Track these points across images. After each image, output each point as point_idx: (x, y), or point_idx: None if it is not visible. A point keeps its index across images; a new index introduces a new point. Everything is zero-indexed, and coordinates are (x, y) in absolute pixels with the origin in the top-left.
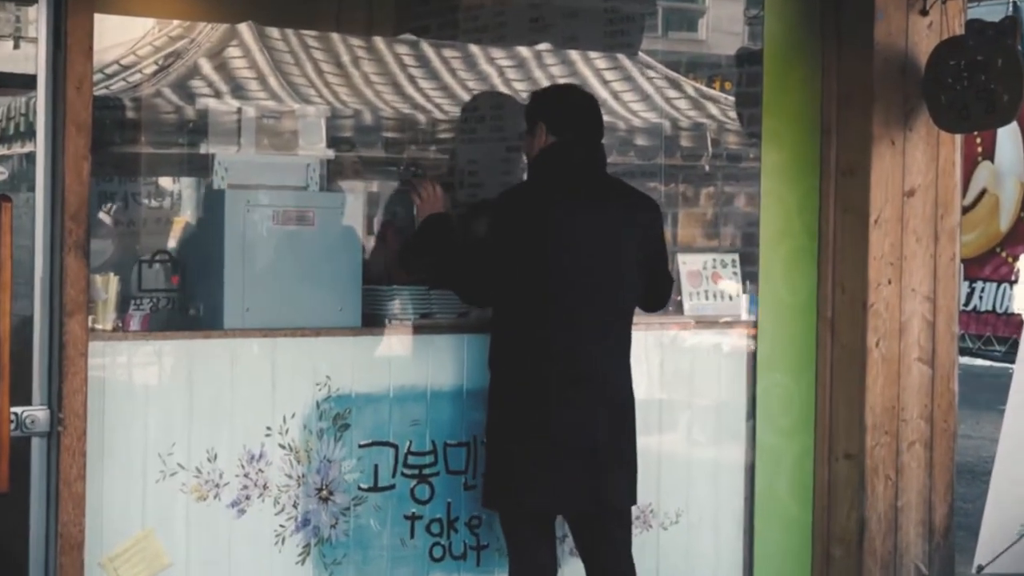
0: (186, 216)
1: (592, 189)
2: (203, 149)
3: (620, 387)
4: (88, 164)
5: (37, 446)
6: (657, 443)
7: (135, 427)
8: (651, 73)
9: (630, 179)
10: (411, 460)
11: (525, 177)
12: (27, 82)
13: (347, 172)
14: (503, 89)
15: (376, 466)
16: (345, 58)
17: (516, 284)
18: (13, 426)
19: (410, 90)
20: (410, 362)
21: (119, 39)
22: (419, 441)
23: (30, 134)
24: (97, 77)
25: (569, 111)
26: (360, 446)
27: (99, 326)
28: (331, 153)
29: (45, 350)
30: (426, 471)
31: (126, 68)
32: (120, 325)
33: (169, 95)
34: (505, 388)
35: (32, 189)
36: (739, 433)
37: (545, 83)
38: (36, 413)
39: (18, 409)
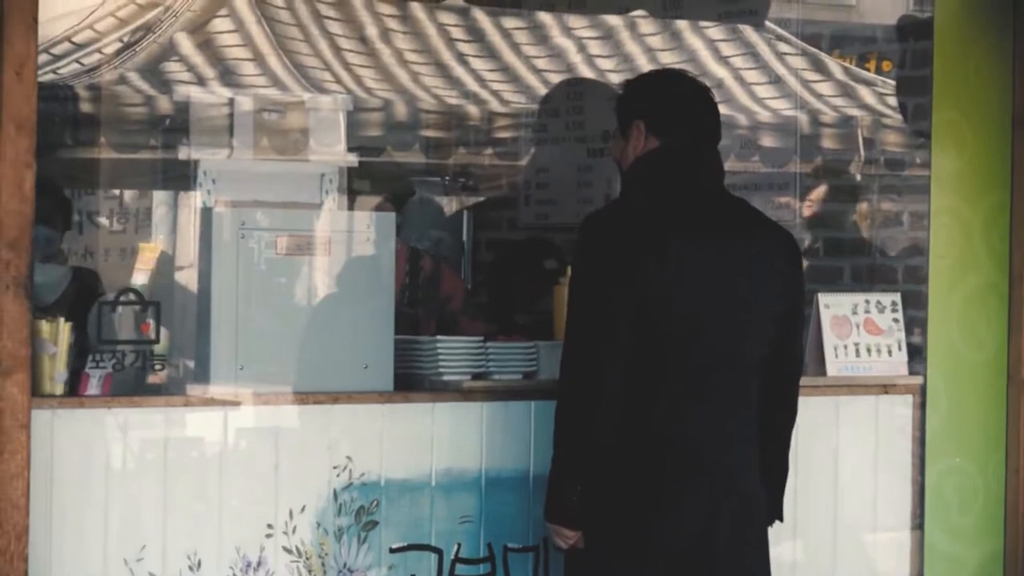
0: (159, 243)
1: (715, 216)
2: (183, 154)
3: (748, 480)
4: (32, 174)
5: None
6: (791, 552)
7: (93, 524)
8: (783, 49)
9: (754, 192)
10: (460, 570)
11: (618, 194)
12: None
13: (375, 183)
14: (584, 71)
15: None
16: (371, 31)
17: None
18: None
19: (459, 73)
20: (459, 438)
21: (70, 7)
22: (471, 544)
23: None
24: (43, 59)
25: (678, 104)
26: (392, 551)
27: (46, 389)
28: (353, 159)
29: None
30: None
31: (80, 47)
32: (73, 388)
33: (137, 82)
34: (594, 483)
35: None
36: (902, 537)
37: (640, 60)
38: None
39: None
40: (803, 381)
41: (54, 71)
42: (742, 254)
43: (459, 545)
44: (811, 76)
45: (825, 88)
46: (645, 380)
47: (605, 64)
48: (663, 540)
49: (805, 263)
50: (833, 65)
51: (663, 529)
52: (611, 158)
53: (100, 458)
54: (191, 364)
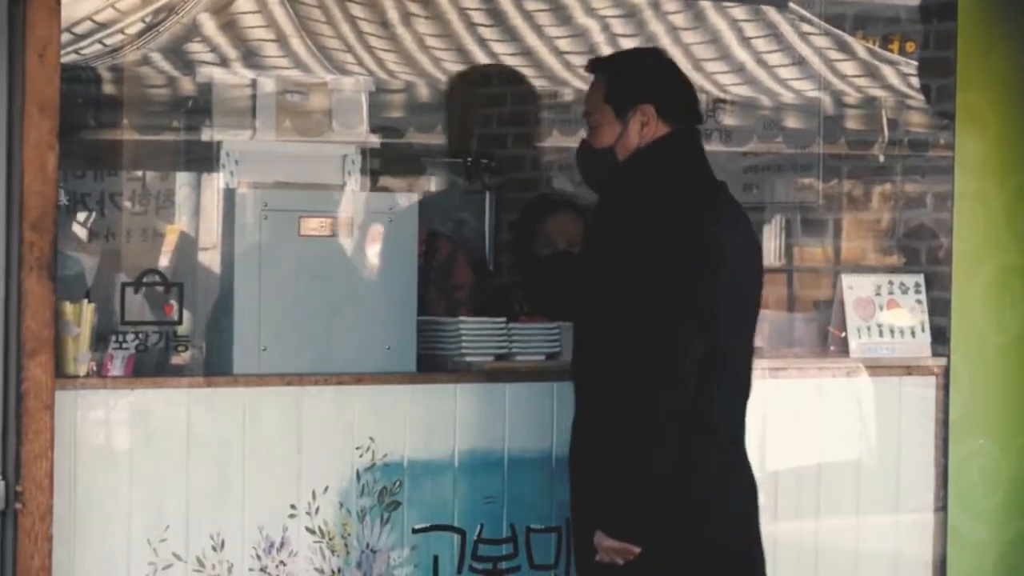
0: (182, 224)
1: (721, 202)
2: (205, 135)
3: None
4: (55, 155)
5: None
6: (813, 530)
7: (116, 505)
8: (806, 29)
9: (777, 174)
10: (482, 550)
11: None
12: None
13: (397, 165)
14: (608, 51)
15: (436, 558)
16: (392, 14)
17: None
18: None
19: (479, 55)
20: (482, 419)
21: None
22: (493, 525)
23: None
24: (65, 39)
25: (685, 87)
26: (415, 531)
27: (69, 370)
28: (375, 140)
29: None
30: (503, 565)
31: (102, 26)
32: (97, 369)
33: (160, 63)
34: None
35: None
36: (925, 519)
37: (664, 40)
38: None
39: None
40: (826, 362)
41: (76, 52)
42: (746, 239)
43: (482, 526)
44: (834, 56)
45: (849, 68)
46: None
47: (628, 44)
48: (715, 537)
49: (829, 244)
50: (856, 45)
51: (716, 525)
52: (608, 143)
53: (123, 439)
54: (214, 345)
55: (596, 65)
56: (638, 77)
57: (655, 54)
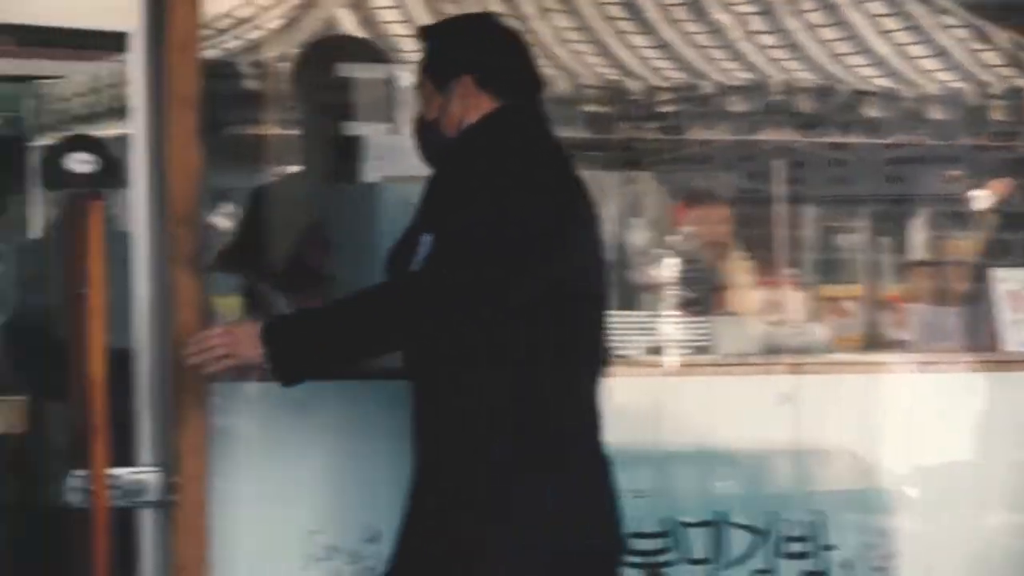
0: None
1: (565, 182)
2: (347, 130)
3: None
4: (198, 151)
5: (147, 520)
6: (967, 527)
7: (272, 497)
8: (948, 20)
9: (920, 166)
10: (636, 544)
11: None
12: (115, 43)
13: None
14: (743, 46)
15: None
16: (529, 8)
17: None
18: (115, 494)
19: (618, 49)
20: (633, 413)
21: None
22: (646, 519)
23: (122, 112)
24: (205, 34)
25: (513, 57)
26: None
27: None
28: None
29: (154, 394)
30: (656, 559)
31: (243, 22)
32: None
33: None
34: None
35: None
36: None
37: (801, 36)
38: (144, 477)
39: (120, 471)
40: (978, 356)
41: (218, 47)
42: (591, 217)
43: (634, 520)
44: (978, 46)
45: (991, 58)
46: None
47: (765, 39)
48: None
49: (977, 237)
50: (998, 35)
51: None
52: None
53: (280, 431)
54: None
55: (420, 32)
56: (456, 46)
57: (481, 20)
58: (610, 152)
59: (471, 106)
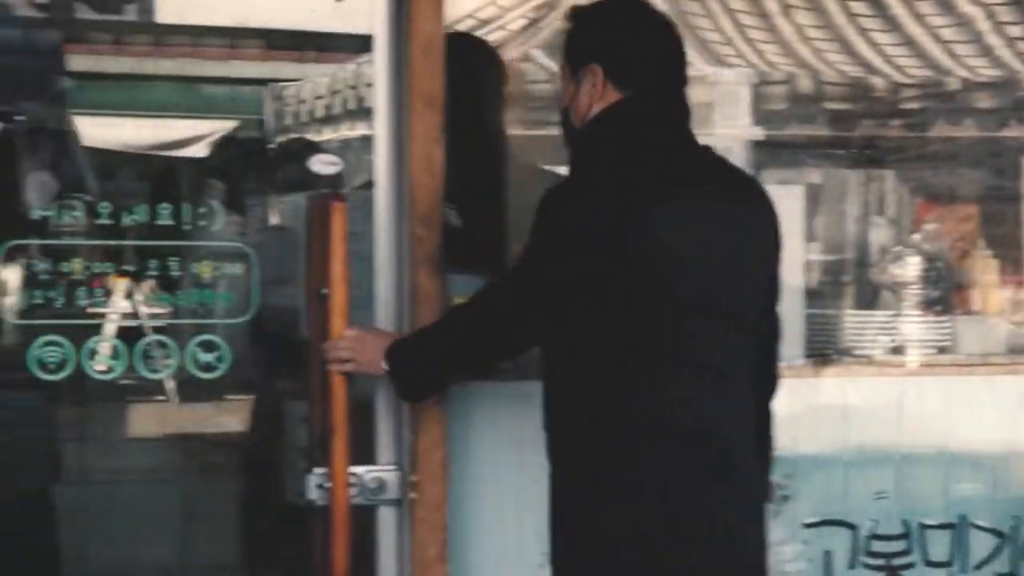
0: None
1: (695, 178)
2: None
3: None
4: (441, 150)
5: (385, 517)
6: None
7: (508, 497)
8: None
9: None
10: (876, 546)
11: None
12: (357, 45)
13: (779, 156)
14: (991, 39)
15: (828, 553)
16: (772, 6)
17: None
18: (355, 491)
19: (862, 47)
20: (872, 413)
21: None
22: (887, 520)
23: (362, 113)
24: (469, 24)
25: (644, 44)
26: (806, 525)
27: None
28: (758, 132)
29: (392, 393)
30: (896, 561)
31: (485, 23)
32: None
33: (541, 58)
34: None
35: (371, 185)
36: None
37: None
38: (383, 475)
39: (359, 469)
40: None
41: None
42: (731, 218)
43: (875, 521)
44: None
45: None
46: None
47: (1015, 31)
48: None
49: None
50: None
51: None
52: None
53: (515, 431)
54: None
55: (566, 15)
56: (590, 32)
57: (625, 6)
58: (853, 149)
59: (597, 97)
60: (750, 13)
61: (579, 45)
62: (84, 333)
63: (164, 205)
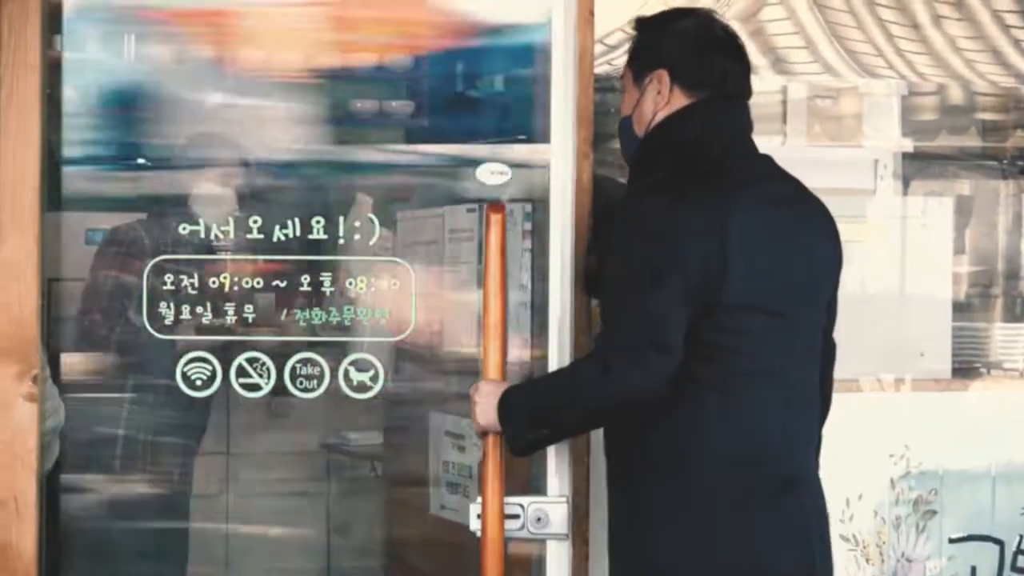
0: None
1: (764, 187)
2: None
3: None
4: (589, 165)
5: (554, 552)
6: None
7: None
8: None
9: None
10: (1022, 562)
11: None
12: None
13: (929, 168)
14: None
15: (974, 568)
16: (923, 17)
17: None
18: (517, 524)
19: (1014, 57)
20: (1021, 426)
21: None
22: None
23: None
24: (598, 50)
25: (712, 51)
26: (952, 541)
27: None
28: (908, 144)
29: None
30: None
31: (613, 48)
32: None
33: None
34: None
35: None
36: None
37: None
38: (548, 507)
39: (525, 500)
40: None
41: (608, 62)
42: (799, 230)
43: (1021, 537)
44: None
45: None
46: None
47: None
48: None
49: None
50: None
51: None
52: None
53: None
54: None
55: (632, 23)
56: (658, 38)
57: (694, 15)
58: (1004, 161)
59: (663, 103)
60: (901, 24)
61: (645, 51)
62: (232, 350)
63: (317, 219)
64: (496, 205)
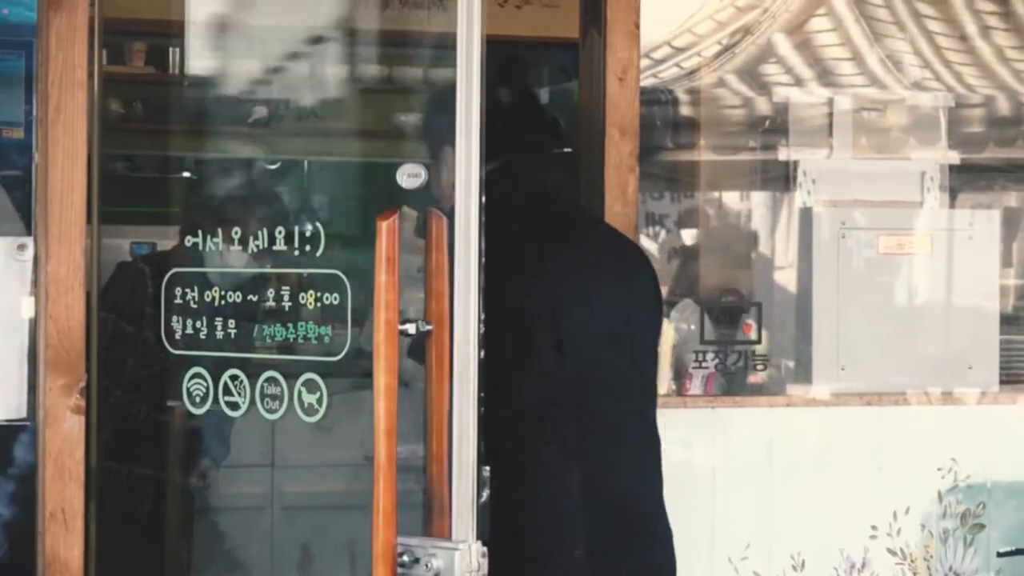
0: (758, 244)
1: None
2: (782, 154)
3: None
4: (635, 177)
5: None
6: None
7: (698, 521)
8: None
9: None
10: None
11: None
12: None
13: (976, 180)
14: None
15: None
16: (971, 28)
17: None
18: None
19: None
20: None
21: (669, 14)
22: None
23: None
24: (643, 63)
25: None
26: (1000, 555)
27: None
28: (955, 156)
29: None
30: None
31: (679, 51)
32: (676, 388)
33: (735, 84)
34: None
35: None
36: None
37: None
38: None
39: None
40: None
41: (654, 75)
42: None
43: None
44: None
45: None
46: None
47: None
48: None
49: None
50: None
51: None
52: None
53: (703, 456)
54: (791, 364)
55: None
56: (432, 112)
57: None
58: None
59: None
60: (948, 35)
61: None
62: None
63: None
64: (387, 212)
